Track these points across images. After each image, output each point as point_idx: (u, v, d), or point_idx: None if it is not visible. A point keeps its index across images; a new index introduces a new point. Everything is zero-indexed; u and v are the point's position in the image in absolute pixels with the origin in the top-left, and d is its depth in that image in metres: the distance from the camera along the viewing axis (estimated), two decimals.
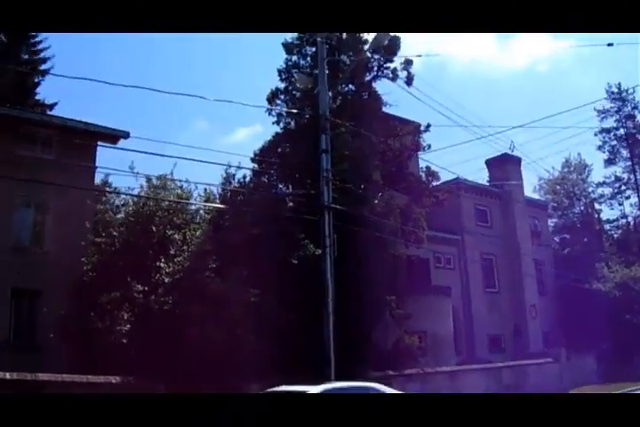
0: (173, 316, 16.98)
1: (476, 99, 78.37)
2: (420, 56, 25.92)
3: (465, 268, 34.38)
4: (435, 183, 29.16)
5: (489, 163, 39.23)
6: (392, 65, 27.22)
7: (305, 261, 19.77)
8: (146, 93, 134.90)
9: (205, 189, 21.45)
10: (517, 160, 37.83)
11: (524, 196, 39.78)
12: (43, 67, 36.05)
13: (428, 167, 27.90)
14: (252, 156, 24.54)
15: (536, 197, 47.33)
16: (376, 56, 27.62)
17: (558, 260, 43.84)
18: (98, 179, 28.11)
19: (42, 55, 36.32)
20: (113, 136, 23.40)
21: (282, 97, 25.89)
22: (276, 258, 18.88)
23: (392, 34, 26.59)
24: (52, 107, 35.69)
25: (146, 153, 16.32)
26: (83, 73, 30.55)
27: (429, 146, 28.52)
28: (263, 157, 24.11)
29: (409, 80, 27.19)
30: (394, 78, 27.37)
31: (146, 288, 17.95)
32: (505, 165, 38.07)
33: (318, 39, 21.12)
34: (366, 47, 26.84)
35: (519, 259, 36.24)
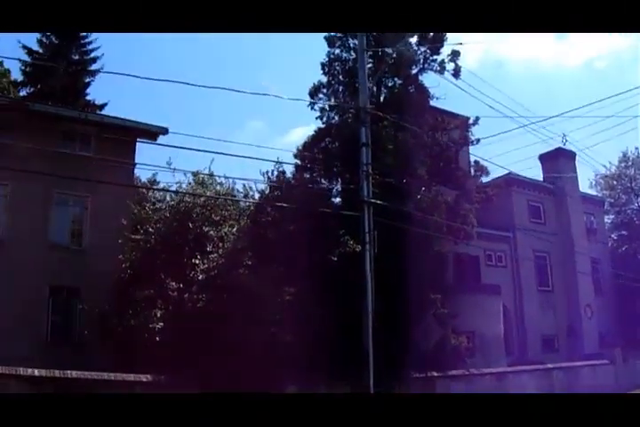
0: (206, 314, 16.59)
1: (532, 95, 76.67)
2: (461, 44, 24.39)
3: (517, 266, 33.15)
4: (485, 179, 28.36)
5: (542, 158, 37.85)
6: (439, 57, 26.45)
7: (345, 258, 19.17)
8: (198, 92, 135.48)
9: (244, 185, 21.04)
10: (572, 154, 36.49)
11: (578, 191, 38.29)
12: (93, 67, 36.28)
13: (476, 162, 27.03)
14: (295, 152, 24.13)
15: (592, 192, 45.81)
16: (422, 48, 26.95)
17: (615, 257, 42.29)
18: (144, 177, 28.02)
19: (92, 55, 36.58)
20: (152, 132, 23.19)
21: (324, 91, 25.35)
22: (315, 255, 18.37)
23: None
24: (102, 107, 35.91)
25: (182, 148, 15.79)
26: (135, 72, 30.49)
27: (478, 140, 27.70)
28: (306, 152, 23.63)
29: (456, 72, 26.33)
30: (441, 71, 26.56)
31: (181, 285, 17.61)
32: (559, 160, 36.72)
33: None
34: (412, 40, 26.27)
35: (574, 257, 34.84)
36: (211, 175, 20.30)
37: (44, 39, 34.94)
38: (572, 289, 35.17)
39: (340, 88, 25.33)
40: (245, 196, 20.76)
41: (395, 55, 25.74)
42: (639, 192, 48.13)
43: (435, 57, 26.56)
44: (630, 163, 48.99)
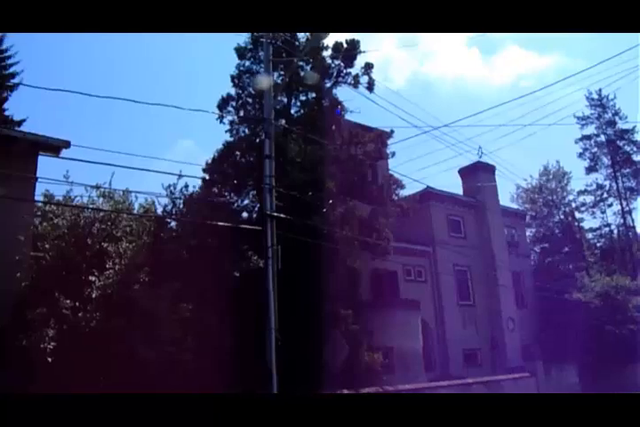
0: (101, 332, 15.77)
1: (457, 113, 77.84)
2: (377, 51, 24.53)
3: (437, 280, 33.06)
4: (402, 193, 28.17)
5: (462, 172, 38.18)
6: (354, 71, 26.29)
7: (248, 274, 18.60)
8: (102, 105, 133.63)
9: (146, 199, 20.30)
10: (491, 168, 36.90)
11: (499, 205, 38.62)
12: (12, 81, 35.06)
13: (390, 175, 26.86)
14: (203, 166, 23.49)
15: (514, 206, 46.34)
16: (336, 61, 26.78)
17: (538, 270, 42.73)
18: (58, 192, 26.89)
19: (11, 70, 35.42)
20: (53, 146, 22.22)
21: (233, 104, 24.82)
22: (217, 271, 17.75)
23: (350, 37, 25.93)
24: (20, 123, 34.67)
25: (84, 161, 15.08)
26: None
27: (393, 153, 27.60)
28: (214, 166, 23.06)
29: (370, 86, 26.26)
30: (355, 84, 26.41)
31: (76, 304, 16.74)
32: (478, 174, 36.98)
33: (264, 40, 20.05)
34: (326, 53, 26.09)
35: (495, 270, 35.00)
36: (110, 190, 19.47)
37: None
38: (494, 302, 35.26)
39: (250, 100, 24.87)
40: (146, 211, 19.97)
41: (307, 67, 25.52)
42: (560, 205, 48.97)
43: (349, 70, 26.46)
44: (551, 176, 49.83)
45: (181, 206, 20.29)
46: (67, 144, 22.05)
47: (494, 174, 37.46)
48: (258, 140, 22.36)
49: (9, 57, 35.33)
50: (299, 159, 21.82)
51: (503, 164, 55.10)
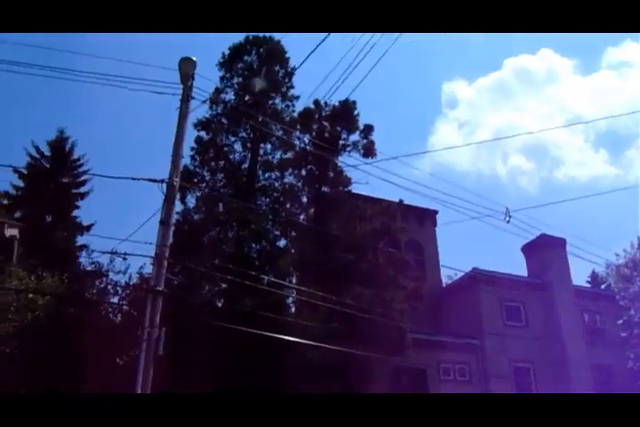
0: None
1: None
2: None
3: (486, 380, 27.06)
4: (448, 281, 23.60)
5: (525, 249, 32.69)
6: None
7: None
8: None
9: None
10: (559, 242, 31.07)
11: (571, 285, 32.15)
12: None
13: (392, 252, 22.19)
14: None
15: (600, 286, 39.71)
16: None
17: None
18: None
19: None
20: None
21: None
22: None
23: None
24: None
25: None
26: None
27: (403, 228, 23.10)
28: None
29: (367, 151, 22.37)
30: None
31: None
32: (543, 250, 31.43)
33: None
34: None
35: (567, 365, 28.77)
36: None
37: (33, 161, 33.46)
38: None
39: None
40: None
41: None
42: None
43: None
44: None
45: None
46: None
47: (565, 249, 31.50)
48: None
49: (81, 165, 34.49)
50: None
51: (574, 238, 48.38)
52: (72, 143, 34.03)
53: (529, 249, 32.38)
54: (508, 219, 21.61)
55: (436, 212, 33.10)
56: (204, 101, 21.36)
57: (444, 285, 32.45)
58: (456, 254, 75.62)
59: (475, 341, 27.45)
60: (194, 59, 14.41)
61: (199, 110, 25.57)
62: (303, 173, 23.31)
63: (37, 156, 33.54)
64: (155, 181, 18.31)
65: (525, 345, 28.01)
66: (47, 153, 33.73)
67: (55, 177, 33.47)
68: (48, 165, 33.66)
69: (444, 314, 26.96)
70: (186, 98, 16.65)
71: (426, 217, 33.06)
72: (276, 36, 25.90)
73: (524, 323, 29.84)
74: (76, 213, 33.59)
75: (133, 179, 21.50)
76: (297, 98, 25.40)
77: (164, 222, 14.30)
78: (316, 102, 24.59)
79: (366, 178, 22.03)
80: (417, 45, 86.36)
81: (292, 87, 25.74)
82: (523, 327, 29.54)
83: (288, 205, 22.18)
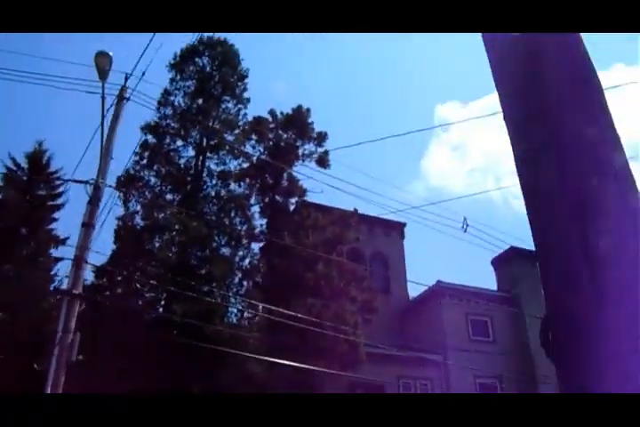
0: None
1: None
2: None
3: None
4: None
5: (494, 262, 31.92)
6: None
7: None
8: None
9: None
10: (531, 254, 30.18)
11: (541, 298, 31.36)
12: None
13: (343, 262, 21.38)
14: None
15: None
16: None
17: None
18: None
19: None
20: None
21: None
22: None
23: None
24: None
25: None
26: None
27: (357, 238, 22.29)
28: None
29: (321, 161, 21.66)
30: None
31: None
32: (512, 262, 30.64)
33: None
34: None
35: (535, 380, 27.82)
36: None
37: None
38: None
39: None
40: None
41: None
42: None
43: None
44: None
45: None
46: None
47: (535, 262, 30.68)
48: None
49: (57, 178, 33.23)
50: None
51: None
52: (49, 156, 33.21)
53: (498, 262, 31.64)
54: (465, 227, 21.06)
55: (403, 224, 32.30)
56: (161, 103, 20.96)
57: (410, 298, 31.59)
58: (438, 269, 74.85)
59: (437, 356, 26.51)
60: (110, 53, 13.82)
61: (146, 113, 24.96)
62: (253, 182, 22.55)
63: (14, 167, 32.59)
64: (80, 182, 17.64)
65: (492, 360, 27.07)
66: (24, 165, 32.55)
67: (31, 189, 32.63)
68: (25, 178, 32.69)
69: (408, 328, 26.12)
70: (121, 98, 16.20)
71: (393, 229, 32.30)
72: (230, 38, 25.31)
73: (491, 338, 28.95)
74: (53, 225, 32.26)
75: (65, 180, 20.90)
76: (248, 100, 24.79)
77: (85, 224, 13.77)
78: (271, 111, 24.01)
79: (320, 187, 21.36)
80: (411, 65, 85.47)
81: (246, 90, 25.10)
82: (490, 342, 28.65)
83: (233, 214, 21.42)
